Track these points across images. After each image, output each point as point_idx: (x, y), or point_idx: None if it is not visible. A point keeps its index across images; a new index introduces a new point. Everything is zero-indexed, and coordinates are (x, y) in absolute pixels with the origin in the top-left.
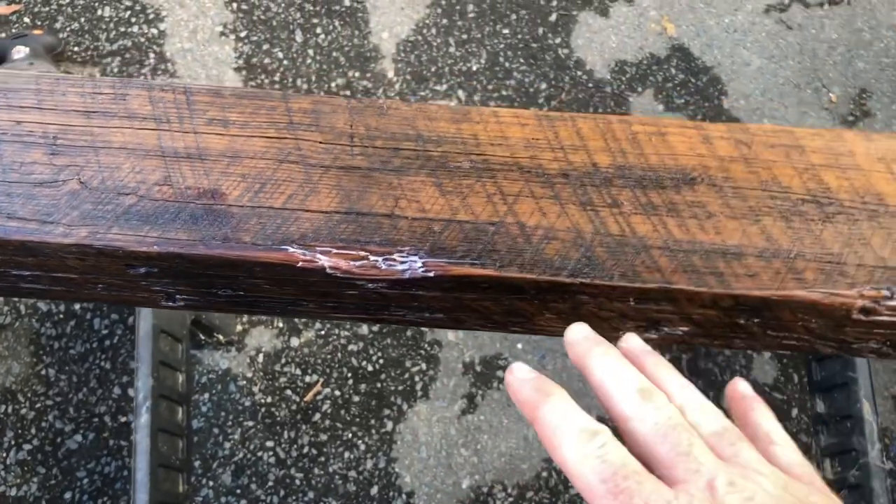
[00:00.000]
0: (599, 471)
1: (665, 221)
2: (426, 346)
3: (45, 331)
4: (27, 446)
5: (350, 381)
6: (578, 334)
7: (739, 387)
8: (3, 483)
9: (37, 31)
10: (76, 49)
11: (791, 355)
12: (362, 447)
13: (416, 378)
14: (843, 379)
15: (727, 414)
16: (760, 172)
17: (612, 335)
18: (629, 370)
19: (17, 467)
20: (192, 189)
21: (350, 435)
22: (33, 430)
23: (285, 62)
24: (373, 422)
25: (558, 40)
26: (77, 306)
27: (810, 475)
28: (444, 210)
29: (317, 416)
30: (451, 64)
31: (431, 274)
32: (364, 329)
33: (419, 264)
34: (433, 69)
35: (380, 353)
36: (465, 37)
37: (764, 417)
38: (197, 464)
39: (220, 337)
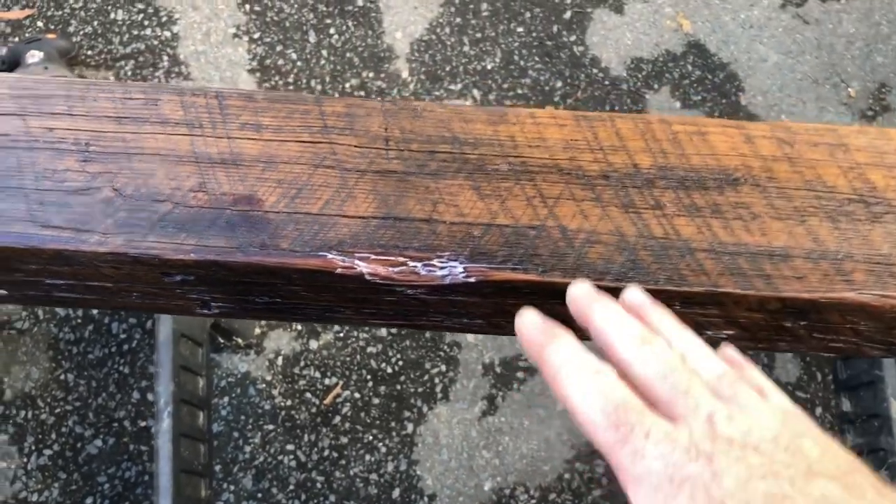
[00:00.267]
0: (601, 405)
1: (709, 223)
2: (445, 347)
3: (63, 336)
4: (48, 451)
5: (370, 384)
6: (580, 289)
7: (728, 351)
8: (25, 489)
9: (50, 35)
10: (90, 53)
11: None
12: (383, 450)
13: (436, 380)
14: (870, 377)
15: None
16: (805, 172)
17: None
18: (630, 319)
19: (38, 473)
20: (227, 195)
21: (370, 437)
22: (53, 436)
23: (299, 63)
24: (393, 424)
25: (573, 38)
26: (95, 311)
27: (806, 419)
28: (483, 214)
29: (337, 419)
30: (466, 63)
31: (472, 279)
32: (383, 331)
33: (459, 269)
34: (447, 68)
35: (399, 355)
36: (479, 35)
37: (755, 374)
38: (218, 468)
39: (239, 340)
